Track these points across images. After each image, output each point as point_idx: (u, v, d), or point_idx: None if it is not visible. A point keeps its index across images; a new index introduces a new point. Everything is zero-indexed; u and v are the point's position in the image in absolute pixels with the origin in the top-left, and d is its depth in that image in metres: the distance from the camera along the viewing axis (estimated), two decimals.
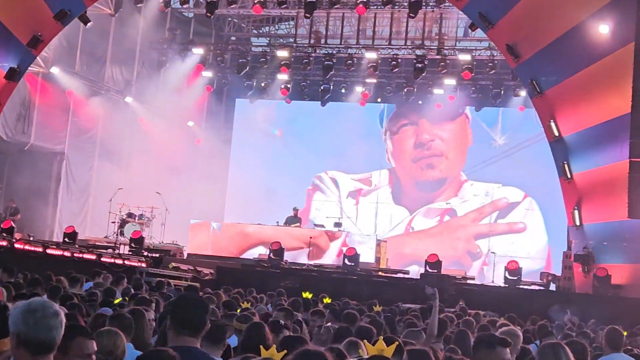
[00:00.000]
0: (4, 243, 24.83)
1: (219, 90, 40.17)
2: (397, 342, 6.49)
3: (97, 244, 29.71)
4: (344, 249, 29.53)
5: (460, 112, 37.89)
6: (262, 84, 38.85)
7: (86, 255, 25.46)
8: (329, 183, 39.35)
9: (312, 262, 29.70)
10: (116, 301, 12.19)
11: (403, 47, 36.27)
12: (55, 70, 32.00)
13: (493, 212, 37.03)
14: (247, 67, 37.24)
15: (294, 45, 37.47)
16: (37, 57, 29.36)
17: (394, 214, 38.33)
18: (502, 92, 35.79)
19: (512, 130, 37.17)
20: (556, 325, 16.97)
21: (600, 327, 16.71)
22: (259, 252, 31.19)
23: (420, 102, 37.70)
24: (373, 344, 5.54)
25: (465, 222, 37.22)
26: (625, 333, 11.78)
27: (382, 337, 5.65)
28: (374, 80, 37.16)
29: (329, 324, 11.34)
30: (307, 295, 16.64)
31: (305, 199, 39.15)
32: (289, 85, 38.29)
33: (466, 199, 37.44)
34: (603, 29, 24.56)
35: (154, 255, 28.14)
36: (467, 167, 37.76)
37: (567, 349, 7.98)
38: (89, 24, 30.00)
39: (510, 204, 36.85)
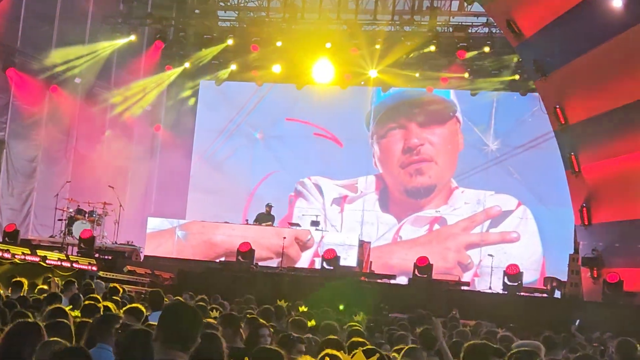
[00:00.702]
0: None
1: (181, 70, 39.93)
2: (377, 355, 6.45)
3: (41, 244, 29.53)
4: (321, 251, 29.58)
5: (451, 115, 37.95)
6: (230, 64, 38.63)
7: (29, 257, 25.29)
8: (313, 189, 39.31)
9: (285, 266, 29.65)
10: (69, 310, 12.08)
11: (390, 22, 36.15)
12: None
13: (485, 220, 37.15)
14: (213, 45, 37.08)
15: (266, 19, 37.27)
16: None
17: (381, 222, 38.35)
18: (501, 74, 35.74)
19: (505, 135, 37.28)
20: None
21: (611, 337, 16.75)
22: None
23: (408, 84, 37.65)
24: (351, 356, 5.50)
25: (455, 231, 37.32)
26: (638, 346, 11.79)
27: (361, 349, 5.60)
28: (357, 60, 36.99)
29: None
30: (281, 303, 16.60)
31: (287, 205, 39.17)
32: (260, 65, 38.12)
33: (457, 206, 37.54)
34: (616, 2, 24.57)
35: (106, 257, 28.03)
36: (458, 173, 37.89)
37: None
38: None
39: (503, 213, 36.99)
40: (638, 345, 11.51)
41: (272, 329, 11.22)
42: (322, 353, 7.70)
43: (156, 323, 6.31)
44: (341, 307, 21.39)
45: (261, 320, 12.78)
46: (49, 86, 33.67)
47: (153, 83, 38.39)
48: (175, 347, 6.01)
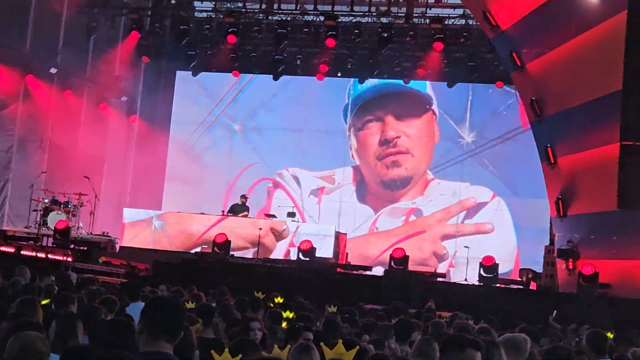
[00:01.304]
0: None
1: (157, 61, 39.74)
2: (357, 347, 6.40)
3: (16, 235, 29.37)
4: (297, 242, 29.54)
5: (427, 108, 37.98)
6: (207, 55, 38.49)
7: (3, 248, 25.15)
8: (290, 180, 39.25)
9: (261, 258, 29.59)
10: (44, 302, 11.97)
11: (367, 14, 36.09)
12: None
13: (460, 212, 37.23)
14: (189, 35, 36.94)
15: (243, 10, 37.14)
16: None
17: (358, 213, 38.40)
18: (477, 65, 35.71)
19: (480, 127, 37.36)
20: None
21: (587, 329, 16.73)
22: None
23: (385, 75, 37.64)
24: (331, 348, 5.43)
25: (431, 222, 37.41)
26: (610, 336, 11.76)
27: (341, 341, 5.55)
28: (334, 52, 36.87)
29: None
30: (258, 294, 16.54)
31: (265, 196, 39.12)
32: (237, 56, 38.02)
33: (432, 198, 37.62)
34: None
35: (81, 248, 27.92)
36: (434, 165, 37.96)
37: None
38: None
39: (478, 204, 37.09)
40: (609, 335, 11.50)
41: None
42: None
43: (132, 314, 6.34)
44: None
45: (235, 311, 12.75)
46: (24, 76, 33.45)
47: (129, 74, 38.28)
48: (162, 338, 6.08)
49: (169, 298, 6.67)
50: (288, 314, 13.32)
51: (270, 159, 39.34)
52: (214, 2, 39.06)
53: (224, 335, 11.08)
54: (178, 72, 40.34)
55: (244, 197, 32.95)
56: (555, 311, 20.86)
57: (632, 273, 25.79)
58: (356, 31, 35.24)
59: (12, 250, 24.97)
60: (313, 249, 28.55)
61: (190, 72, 39.71)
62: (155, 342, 6.08)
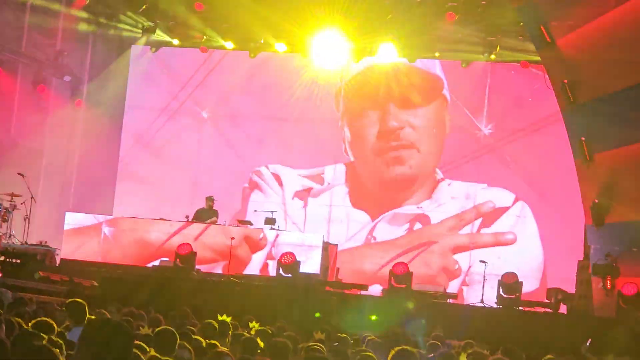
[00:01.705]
0: None
1: (107, 32, 39.64)
2: None
3: None
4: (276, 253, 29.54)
5: (437, 93, 37.73)
6: (169, 25, 38.44)
7: None
8: (271, 180, 39.06)
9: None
10: None
11: None
12: None
13: (476, 219, 37.01)
14: (147, 2, 36.87)
15: None
16: None
17: (352, 220, 38.18)
18: (498, 41, 35.70)
19: (500, 117, 37.12)
20: None
21: None
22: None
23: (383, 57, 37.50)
24: None
25: (440, 231, 37.13)
26: None
27: None
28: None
29: None
30: (223, 318, 16.50)
31: (240, 198, 38.96)
32: (205, 28, 38.02)
33: (442, 202, 37.39)
34: None
35: (13, 260, 27.89)
36: (444, 162, 37.69)
37: None
38: None
39: (497, 210, 36.83)
40: None
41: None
42: None
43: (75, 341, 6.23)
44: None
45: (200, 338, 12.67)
46: None
47: (72, 47, 38.22)
48: None
49: (114, 321, 6.38)
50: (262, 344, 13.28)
51: (247, 153, 39.13)
52: None
53: None
54: (133, 47, 40.22)
55: (211, 199, 32.87)
56: (589, 339, 20.87)
57: None
58: None
59: None
60: (296, 263, 28.53)
61: (149, 47, 39.67)
62: None
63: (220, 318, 16.37)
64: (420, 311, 25.55)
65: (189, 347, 11.59)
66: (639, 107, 25.29)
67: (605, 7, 26.10)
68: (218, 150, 39.26)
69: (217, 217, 32.36)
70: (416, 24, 35.88)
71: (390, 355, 11.18)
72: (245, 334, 15.15)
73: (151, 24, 38.29)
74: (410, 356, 12.20)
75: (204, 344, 12.76)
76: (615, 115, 26.90)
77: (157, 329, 12.38)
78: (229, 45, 38.20)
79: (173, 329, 12.57)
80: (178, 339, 11.44)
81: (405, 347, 12.32)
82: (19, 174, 32.82)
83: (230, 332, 15.41)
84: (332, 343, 15.35)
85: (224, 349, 11.68)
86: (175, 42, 38.87)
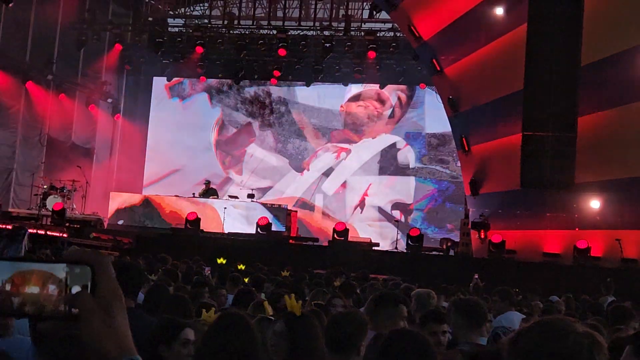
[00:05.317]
0: None
1: (137, 68, 39.57)
2: (300, 302, 6.37)
3: (20, 215, 29.09)
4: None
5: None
6: (179, 63, 38.36)
7: (9, 227, 24.85)
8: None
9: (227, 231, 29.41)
10: None
11: (312, 28, 36.11)
12: None
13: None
14: (164, 47, 36.76)
15: (209, 25, 37.04)
16: None
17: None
18: (405, 70, 35.76)
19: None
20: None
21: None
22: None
23: (329, 79, 37.41)
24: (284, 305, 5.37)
25: None
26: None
27: (293, 295, 5.49)
28: (284, 60, 36.73)
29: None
30: (221, 260, 16.52)
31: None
32: (203, 64, 37.99)
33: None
34: (499, 11, 24.78)
35: (75, 226, 27.71)
36: None
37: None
38: (10, 4, 29.78)
39: None
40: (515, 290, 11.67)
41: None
42: None
43: None
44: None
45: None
46: (25, 82, 33.24)
47: (114, 80, 38.21)
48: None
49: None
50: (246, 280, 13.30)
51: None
52: (184, 19, 39.11)
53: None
54: (155, 78, 40.09)
55: (207, 183, 32.79)
56: (476, 275, 20.98)
57: (533, 241, 26.03)
58: (303, 42, 35.21)
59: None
60: (269, 224, 28.49)
61: (165, 78, 39.60)
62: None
63: (218, 261, 16.38)
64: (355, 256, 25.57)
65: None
66: (501, 114, 25.43)
67: (477, 45, 26.25)
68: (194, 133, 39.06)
69: (218, 195, 32.27)
70: (348, 59, 35.93)
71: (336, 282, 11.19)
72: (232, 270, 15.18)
73: (167, 61, 38.29)
74: (351, 285, 12.23)
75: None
76: (485, 120, 27.07)
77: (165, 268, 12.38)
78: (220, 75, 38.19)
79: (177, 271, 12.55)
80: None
81: (346, 279, 12.35)
82: (77, 166, 32.79)
83: (226, 270, 15.41)
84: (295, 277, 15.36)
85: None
86: (183, 74, 38.78)
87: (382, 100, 37.17)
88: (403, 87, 36.88)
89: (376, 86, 37.18)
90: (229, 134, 39.34)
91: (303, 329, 5.28)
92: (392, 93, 36.94)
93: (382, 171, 36.84)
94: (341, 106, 37.88)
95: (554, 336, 2.88)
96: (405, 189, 36.39)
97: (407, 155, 36.61)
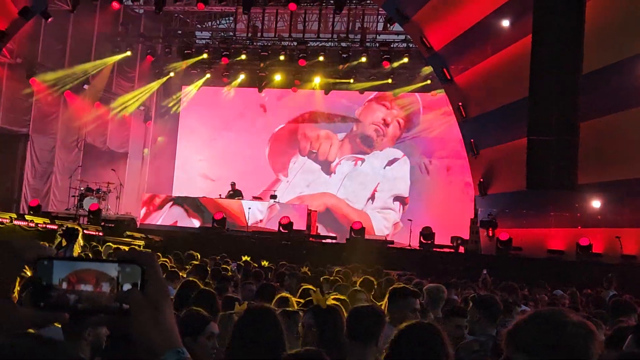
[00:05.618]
0: None
1: (167, 78, 39.66)
2: (325, 295, 6.41)
3: (59, 215, 29.23)
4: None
5: None
6: (206, 73, 38.52)
7: (49, 226, 24.99)
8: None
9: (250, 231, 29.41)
10: None
11: (330, 39, 36.16)
12: (20, 60, 31.51)
13: None
14: (192, 57, 36.91)
15: (234, 37, 37.14)
16: (3, 49, 29.02)
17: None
18: (416, 79, 35.77)
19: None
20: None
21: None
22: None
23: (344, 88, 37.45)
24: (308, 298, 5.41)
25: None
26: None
27: (318, 290, 5.57)
28: (304, 69, 36.76)
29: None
30: (246, 258, 16.54)
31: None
32: (229, 74, 38.11)
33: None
34: (505, 23, 24.75)
35: (109, 225, 27.81)
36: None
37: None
38: (49, 19, 30.12)
39: None
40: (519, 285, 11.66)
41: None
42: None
43: None
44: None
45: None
46: (63, 91, 33.45)
47: (145, 88, 38.34)
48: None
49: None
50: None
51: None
52: (210, 32, 39.23)
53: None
54: (183, 86, 40.20)
55: (233, 184, 32.85)
56: (485, 270, 20.93)
57: (538, 239, 25.96)
58: (322, 53, 35.26)
59: (55, 227, 24.80)
60: (290, 223, 28.51)
61: (193, 86, 39.69)
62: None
63: (244, 258, 16.39)
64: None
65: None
66: (507, 119, 25.35)
67: (485, 55, 26.21)
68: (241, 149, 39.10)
69: (243, 196, 32.26)
70: (363, 69, 35.98)
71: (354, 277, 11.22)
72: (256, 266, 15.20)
73: (195, 71, 38.51)
74: (369, 282, 12.23)
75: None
76: (492, 125, 27.01)
77: (194, 264, 12.39)
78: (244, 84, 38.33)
79: (206, 266, 12.53)
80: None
81: (366, 276, 12.34)
82: (112, 169, 32.96)
83: (251, 266, 15.44)
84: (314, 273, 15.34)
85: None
86: (210, 83, 38.90)
87: (387, 124, 37.48)
88: (403, 114, 37.12)
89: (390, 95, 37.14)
90: None
91: (329, 320, 5.42)
92: (394, 121, 37.32)
93: (385, 172, 37.33)
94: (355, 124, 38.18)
95: (550, 327, 2.88)
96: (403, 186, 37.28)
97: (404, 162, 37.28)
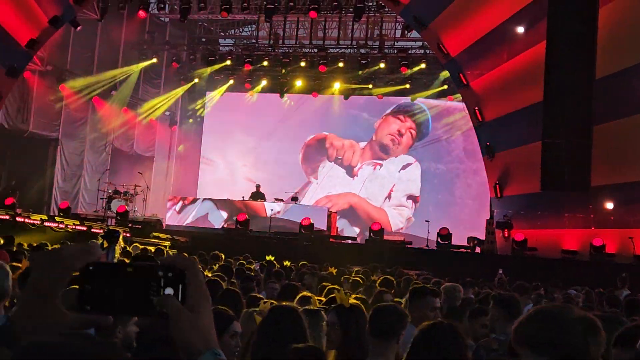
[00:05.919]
0: (7, 217, 24.36)
1: (193, 84, 39.78)
2: (348, 294, 6.42)
3: (87, 217, 29.37)
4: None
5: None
6: (229, 79, 38.64)
7: (79, 227, 25.12)
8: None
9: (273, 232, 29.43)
10: None
11: (349, 46, 36.19)
12: (50, 67, 31.71)
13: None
14: (216, 64, 37.08)
15: (256, 45, 37.23)
16: (34, 57, 29.19)
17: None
18: (433, 84, 35.78)
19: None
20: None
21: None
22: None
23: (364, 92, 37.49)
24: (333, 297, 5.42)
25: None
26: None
27: (342, 289, 5.60)
28: (324, 75, 36.77)
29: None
30: (269, 257, 16.56)
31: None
32: (251, 80, 38.17)
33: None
34: (520, 29, 24.70)
35: (137, 226, 27.91)
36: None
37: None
38: (78, 28, 30.28)
39: None
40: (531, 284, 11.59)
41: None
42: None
43: None
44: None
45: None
46: (91, 97, 33.64)
47: (171, 94, 38.50)
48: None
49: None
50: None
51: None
52: (234, 40, 39.35)
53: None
54: (207, 92, 40.32)
55: (257, 186, 32.89)
56: (500, 270, 20.90)
57: (552, 239, 25.86)
58: (341, 59, 35.30)
59: (84, 228, 24.94)
60: (311, 224, 28.52)
61: (217, 92, 39.81)
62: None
63: (267, 258, 16.40)
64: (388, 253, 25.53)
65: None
66: (523, 123, 25.31)
67: (500, 61, 26.17)
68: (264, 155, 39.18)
69: (265, 199, 32.24)
70: (382, 75, 35.97)
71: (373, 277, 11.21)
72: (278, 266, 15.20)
73: (219, 77, 38.68)
74: (389, 282, 12.21)
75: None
76: (508, 128, 26.94)
77: (221, 264, 12.39)
78: (266, 90, 38.39)
79: (231, 266, 12.55)
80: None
81: (385, 275, 12.30)
82: (139, 172, 33.09)
83: (274, 267, 15.45)
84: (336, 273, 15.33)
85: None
86: (232, 89, 38.96)
87: (401, 135, 37.70)
88: (414, 125, 37.37)
89: (407, 100, 37.16)
90: None
91: (352, 319, 5.45)
92: (407, 132, 37.56)
93: (400, 175, 37.53)
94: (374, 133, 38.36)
95: (551, 322, 2.90)
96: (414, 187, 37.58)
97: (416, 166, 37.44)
